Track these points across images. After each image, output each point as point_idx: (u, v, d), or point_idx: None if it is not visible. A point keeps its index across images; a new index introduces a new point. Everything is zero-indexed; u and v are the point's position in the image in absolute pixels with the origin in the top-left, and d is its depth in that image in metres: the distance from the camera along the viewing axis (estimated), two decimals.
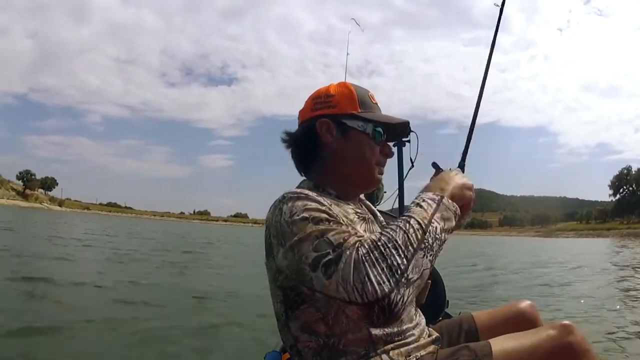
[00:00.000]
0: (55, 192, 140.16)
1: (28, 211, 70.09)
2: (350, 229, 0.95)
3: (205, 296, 5.93)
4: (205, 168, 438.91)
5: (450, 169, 1.09)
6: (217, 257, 13.57)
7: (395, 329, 0.99)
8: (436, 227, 0.93)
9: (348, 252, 0.86)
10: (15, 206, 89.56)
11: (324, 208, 0.96)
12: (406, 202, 1.59)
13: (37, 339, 3.53)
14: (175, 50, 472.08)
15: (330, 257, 0.87)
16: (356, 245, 0.87)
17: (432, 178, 1.08)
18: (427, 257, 0.90)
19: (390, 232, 0.89)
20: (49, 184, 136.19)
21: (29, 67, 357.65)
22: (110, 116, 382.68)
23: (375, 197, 2.04)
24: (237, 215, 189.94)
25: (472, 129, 1.61)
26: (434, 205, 0.95)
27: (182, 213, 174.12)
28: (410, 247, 0.87)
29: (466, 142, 1.55)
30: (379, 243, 0.87)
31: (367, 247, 0.87)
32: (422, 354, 1.00)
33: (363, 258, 0.85)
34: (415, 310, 1.10)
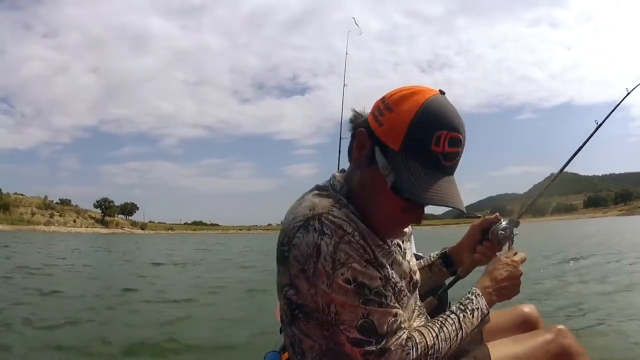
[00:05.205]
0: (137, 216, 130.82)
1: (106, 237, 55.63)
2: (394, 309, 0.88)
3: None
4: (292, 178, 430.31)
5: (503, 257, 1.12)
6: None
7: None
8: (471, 333, 0.98)
9: (393, 353, 0.84)
10: (95, 233, 79.95)
11: (366, 269, 0.86)
12: None
13: None
14: (244, 67, 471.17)
15: (372, 348, 0.84)
16: (404, 347, 0.85)
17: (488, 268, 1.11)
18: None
19: (442, 343, 0.91)
20: (129, 209, 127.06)
21: (95, 100, 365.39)
22: (187, 138, 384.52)
23: None
24: None
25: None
26: (480, 320, 1.00)
27: (269, 225, 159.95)
28: (449, 350, 0.93)
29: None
30: (430, 351, 0.88)
31: (417, 353, 0.86)
32: None
33: None
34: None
